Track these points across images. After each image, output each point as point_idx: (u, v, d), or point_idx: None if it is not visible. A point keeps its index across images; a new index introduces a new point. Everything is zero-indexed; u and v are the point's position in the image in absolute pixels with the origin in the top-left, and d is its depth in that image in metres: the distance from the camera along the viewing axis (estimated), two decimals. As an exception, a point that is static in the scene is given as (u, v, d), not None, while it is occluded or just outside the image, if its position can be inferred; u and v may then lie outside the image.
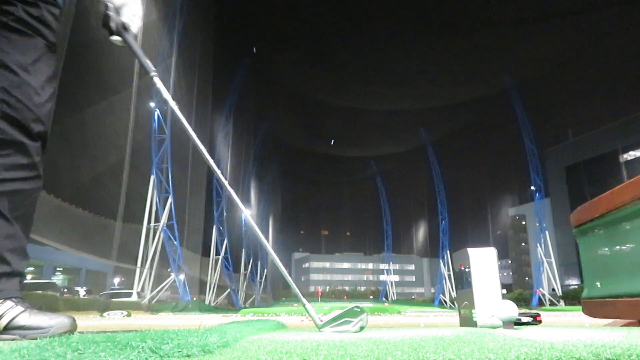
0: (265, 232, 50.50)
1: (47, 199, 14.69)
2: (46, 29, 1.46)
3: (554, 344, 0.99)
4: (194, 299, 25.77)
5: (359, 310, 1.72)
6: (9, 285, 1.37)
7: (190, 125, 1.86)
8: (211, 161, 1.97)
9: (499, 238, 67.56)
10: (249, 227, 1.99)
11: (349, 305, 1.78)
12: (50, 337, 1.09)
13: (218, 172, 1.96)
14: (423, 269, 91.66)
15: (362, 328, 1.72)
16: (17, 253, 1.39)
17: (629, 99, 40.31)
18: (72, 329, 1.38)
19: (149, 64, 1.83)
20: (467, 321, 2.32)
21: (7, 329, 1.32)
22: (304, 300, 1.79)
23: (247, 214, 2.01)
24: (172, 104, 1.88)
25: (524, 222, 68.66)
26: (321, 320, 1.74)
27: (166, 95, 1.87)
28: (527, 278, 63.17)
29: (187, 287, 24.53)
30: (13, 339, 1.29)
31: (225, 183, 1.99)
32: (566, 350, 0.88)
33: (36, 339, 1.25)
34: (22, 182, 1.39)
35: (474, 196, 63.36)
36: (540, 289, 40.50)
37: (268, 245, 1.99)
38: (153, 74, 1.84)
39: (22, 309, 1.35)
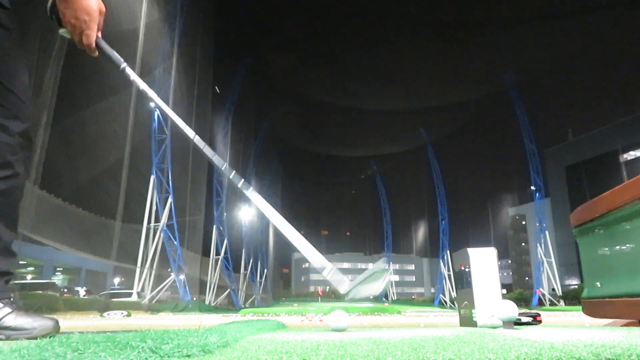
0: (266, 232, 50.47)
1: (47, 199, 14.68)
2: (5, 30, 1.42)
3: (554, 344, 0.99)
4: (194, 299, 25.74)
5: (380, 271, 1.64)
6: None
7: (190, 125, 1.75)
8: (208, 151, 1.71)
9: (499, 238, 67.61)
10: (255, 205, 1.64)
11: (370, 268, 1.68)
12: (50, 338, 1.09)
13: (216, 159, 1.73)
14: (423, 269, 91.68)
15: (387, 286, 1.68)
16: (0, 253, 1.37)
17: (629, 99, 40.36)
18: (55, 330, 1.37)
19: (116, 55, 1.65)
20: (467, 321, 2.32)
21: None
22: (328, 264, 1.53)
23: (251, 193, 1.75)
24: (154, 95, 1.70)
25: (524, 222, 68.70)
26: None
27: (143, 86, 1.70)
28: (527, 278, 63.21)
29: (187, 287, 24.52)
30: None
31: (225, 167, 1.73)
32: (566, 350, 0.88)
33: (18, 339, 1.24)
34: None
35: (474, 196, 63.58)
36: (540, 289, 40.51)
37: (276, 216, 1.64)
38: (123, 65, 1.66)
39: (10, 310, 1.34)
